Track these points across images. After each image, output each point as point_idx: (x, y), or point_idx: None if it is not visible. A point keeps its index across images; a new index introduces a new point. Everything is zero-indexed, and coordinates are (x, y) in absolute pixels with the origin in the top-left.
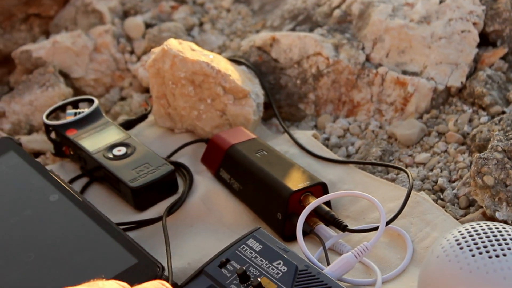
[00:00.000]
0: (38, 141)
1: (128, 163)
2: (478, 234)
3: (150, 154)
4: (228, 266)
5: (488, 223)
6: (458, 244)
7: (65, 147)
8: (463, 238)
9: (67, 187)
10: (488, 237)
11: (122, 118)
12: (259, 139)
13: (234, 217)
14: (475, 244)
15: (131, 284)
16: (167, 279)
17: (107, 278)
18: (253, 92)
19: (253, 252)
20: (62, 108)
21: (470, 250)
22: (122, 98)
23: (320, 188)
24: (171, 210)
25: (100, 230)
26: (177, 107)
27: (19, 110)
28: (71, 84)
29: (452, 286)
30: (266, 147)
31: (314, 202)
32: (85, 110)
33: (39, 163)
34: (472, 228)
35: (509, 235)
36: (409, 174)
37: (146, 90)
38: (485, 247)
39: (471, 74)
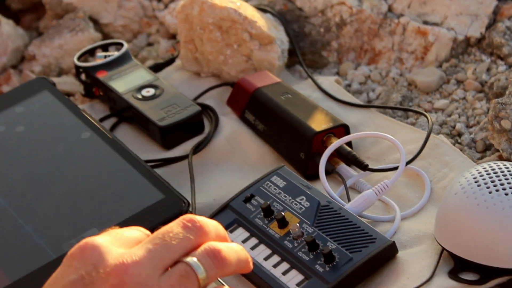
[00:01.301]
0: (67, 83)
1: (157, 103)
2: (495, 172)
3: (178, 95)
4: (252, 201)
5: (505, 162)
6: (476, 182)
7: (95, 88)
8: (481, 176)
9: (98, 126)
10: (504, 175)
11: (149, 62)
12: (284, 83)
13: (258, 157)
14: (492, 181)
15: (158, 218)
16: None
17: (135, 213)
18: (278, 39)
19: (277, 188)
20: (91, 53)
21: (487, 187)
22: (149, 44)
23: (342, 130)
24: (197, 149)
25: (129, 166)
26: (204, 52)
27: (49, 53)
28: (100, 29)
29: (469, 222)
30: (290, 90)
31: (336, 142)
32: (114, 53)
33: (72, 102)
34: (489, 166)
35: None
36: (429, 118)
37: (173, 36)
38: (501, 184)
39: (490, 26)
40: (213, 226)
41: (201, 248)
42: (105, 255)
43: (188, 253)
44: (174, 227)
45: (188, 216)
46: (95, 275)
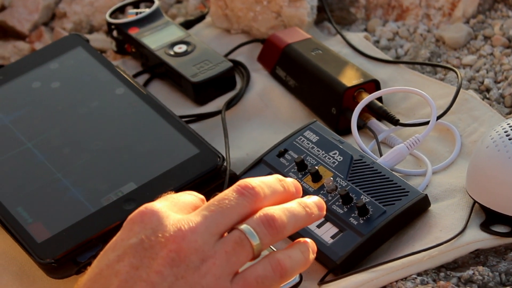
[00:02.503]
0: (99, 40)
1: (189, 59)
2: None
3: (210, 52)
4: (286, 155)
5: None
6: (507, 135)
7: (127, 44)
8: None
9: (132, 81)
10: None
11: (179, 20)
12: (314, 39)
13: (290, 112)
14: None
15: (193, 173)
16: (225, 169)
17: (171, 167)
18: None
19: (310, 143)
20: (121, 10)
21: None
22: (178, 1)
23: (373, 85)
24: (229, 104)
25: (163, 121)
26: (234, 9)
27: (79, 10)
28: None
29: (501, 175)
30: (321, 46)
31: (368, 97)
32: (146, 10)
33: (106, 58)
34: None
35: None
36: (458, 73)
37: None
38: None
39: None
40: (268, 187)
41: (256, 216)
42: (163, 220)
43: (243, 219)
44: (230, 194)
45: (243, 182)
46: (154, 240)
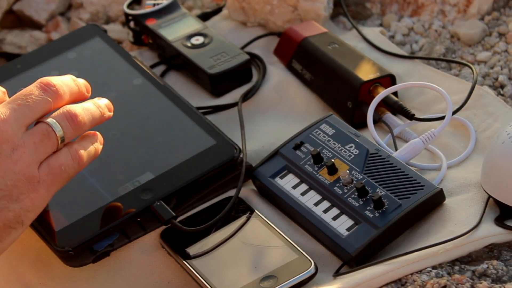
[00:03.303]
0: (115, 30)
1: (206, 51)
2: None
3: (227, 44)
4: (302, 148)
5: None
6: None
7: (144, 36)
8: None
9: (149, 72)
10: None
11: (195, 12)
12: (331, 33)
13: (305, 105)
14: None
15: (210, 164)
16: (242, 161)
17: (188, 158)
18: None
19: (326, 136)
20: (138, 1)
21: None
22: None
23: (388, 80)
24: (246, 96)
25: (180, 112)
26: (251, 1)
27: (96, 1)
28: None
29: None
30: (337, 40)
31: (384, 92)
32: (163, 1)
33: (123, 49)
34: None
35: None
36: (473, 69)
37: None
38: None
39: None
40: (66, 86)
41: (59, 111)
42: None
43: (45, 114)
44: (34, 89)
45: (45, 79)
46: None
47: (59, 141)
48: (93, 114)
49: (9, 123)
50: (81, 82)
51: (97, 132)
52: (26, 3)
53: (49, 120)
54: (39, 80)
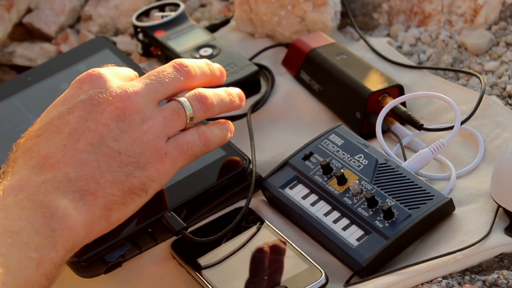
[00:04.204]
0: (124, 42)
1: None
2: None
3: (235, 55)
4: (311, 158)
5: None
6: None
7: (153, 47)
8: None
9: None
10: None
11: (203, 23)
12: (339, 44)
13: (314, 116)
14: None
15: (221, 175)
16: (251, 171)
17: (198, 169)
18: (331, 0)
19: (335, 146)
20: (146, 13)
21: None
22: (202, 5)
23: (396, 90)
24: (254, 107)
25: None
26: (258, 13)
27: (105, 13)
28: None
29: None
30: (345, 50)
31: (392, 102)
32: (171, 13)
33: (132, 60)
34: None
35: None
36: (481, 78)
37: None
38: None
39: None
40: (199, 68)
41: (192, 92)
42: (110, 82)
43: (177, 92)
44: (167, 68)
45: (178, 60)
46: (102, 97)
47: (188, 120)
48: (223, 100)
49: (141, 95)
50: (216, 66)
51: (229, 122)
52: (36, 16)
53: (181, 98)
54: (173, 60)
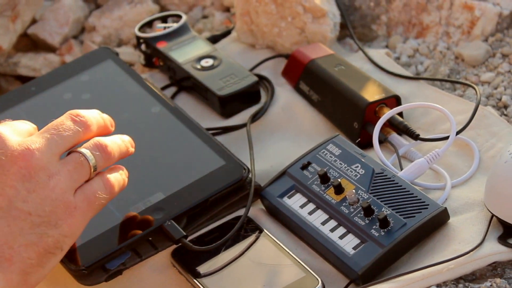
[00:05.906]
0: (127, 53)
1: (215, 73)
2: None
3: (236, 66)
4: (309, 168)
5: None
6: None
7: (155, 58)
8: None
9: (160, 94)
10: None
11: (204, 34)
12: (337, 55)
13: (313, 126)
14: None
15: (220, 184)
16: (250, 181)
17: (198, 178)
18: (330, 12)
19: (333, 156)
20: (149, 24)
21: None
22: (204, 17)
23: (394, 100)
24: (254, 117)
25: (191, 134)
26: (259, 24)
27: (108, 24)
28: (157, 1)
29: None
30: (344, 62)
31: (389, 112)
32: (173, 24)
33: (135, 71)
34: None
35: None
36: (477, 89)
37: (227, 9)
38: None
39: None
40: (94, 118)
41: (91, 142)
42: (8, 141)
43: (76, 144)
44: (65, 120)
45: (74, 111)
46: (4, 159)
47: (92, 170)
48: (120, 147)
49: (43, 151)
50: (106, 117)
51: (122, 166)
52: (40, 27)
53: (82, 149)
54: (68, 112)
